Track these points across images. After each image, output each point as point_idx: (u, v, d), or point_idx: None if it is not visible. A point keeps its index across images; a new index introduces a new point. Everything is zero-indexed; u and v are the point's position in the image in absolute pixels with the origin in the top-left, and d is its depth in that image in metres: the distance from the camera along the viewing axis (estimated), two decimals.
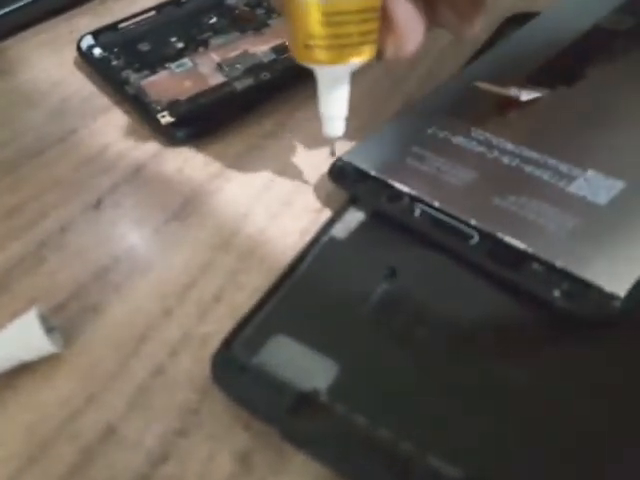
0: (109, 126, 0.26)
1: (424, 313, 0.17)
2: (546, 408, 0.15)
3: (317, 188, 0.23)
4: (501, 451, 0.15)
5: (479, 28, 0.19)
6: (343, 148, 0.23)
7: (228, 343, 0.17)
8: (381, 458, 0.14)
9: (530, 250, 0.17)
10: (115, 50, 0.29)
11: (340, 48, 0.17)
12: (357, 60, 0.18)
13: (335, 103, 0.19)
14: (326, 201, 0.22)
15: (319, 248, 0.20)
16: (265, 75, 0.26)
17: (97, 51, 0.29)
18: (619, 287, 0.16)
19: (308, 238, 0.21)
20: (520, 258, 0.18)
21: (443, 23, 0.19)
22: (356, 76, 0.27)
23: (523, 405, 0.15)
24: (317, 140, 0.24)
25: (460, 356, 0.16)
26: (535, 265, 0.17)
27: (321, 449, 0.15)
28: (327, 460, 0.15)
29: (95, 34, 0.30)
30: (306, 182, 0.23)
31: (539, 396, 0.15)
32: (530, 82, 0.23)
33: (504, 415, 0.15)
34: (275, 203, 0.22)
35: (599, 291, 0.16)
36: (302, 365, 0.16)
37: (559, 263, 0.17)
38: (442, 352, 0.17)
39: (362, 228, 0.20)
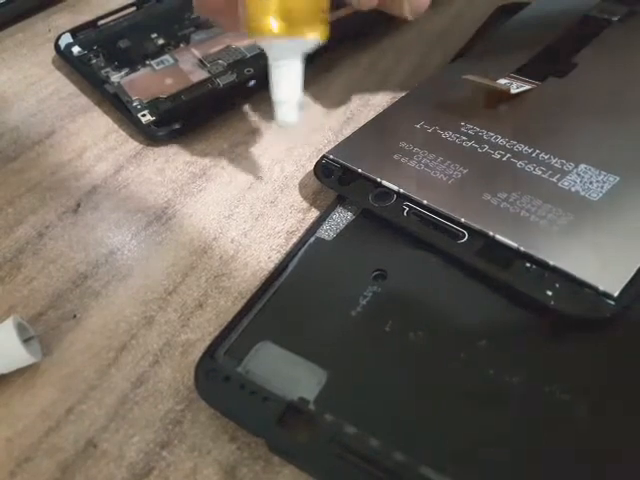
0: (88, 127, 0.25)
1: (416, 316, 0.17)
2: (541, 412, 0.15)
3: (303, 187, 0.22)
4: (497, 458, 0.14)
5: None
6: (329, 144, 0.23)
7: (212, 351, 0.16)
8: (372, 469, 0.14)
9: (522, 248, 0.17)
10: (94, 48, 0.28)
11: (291, 21, 0.17)
12: (308, 35, 0.18)
13: (286, 84, 0.19)
14: (313, 199, 0.22)
15: (306, 250, 0.19)
16: (248, 71, 0.26)
17: (76, 49, 0.28)
18: (613, 286, 0.16)
19: (294, 239, 0.20)
20: (512, 256, 0.17)
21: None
22: (343, 68, 0.27)
23: (517, 410, 0.15)
24: (302, 137, 0.24)
25: (453, 360, 0.16)
26: (527, 264, 0.17)
27: (310, 461, 0.14)
28: (317, 472, 0.15)
29: (74, 32, 0.29)
30: (292, 180, 0.22)
31: (534, 400, 0.15)
32: (520, 74, 0.23)
33: (500, 421, 0.15)
34: (259, 203, 0.22)
35: (593, 290, 0.16)
36: (289, 373, 0.16)
37: (552, 262, 0.16)
38: (435, 357, 0.16)
39: (350, 228, 0.19)
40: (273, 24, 0.18)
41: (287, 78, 0.19)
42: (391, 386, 0.16)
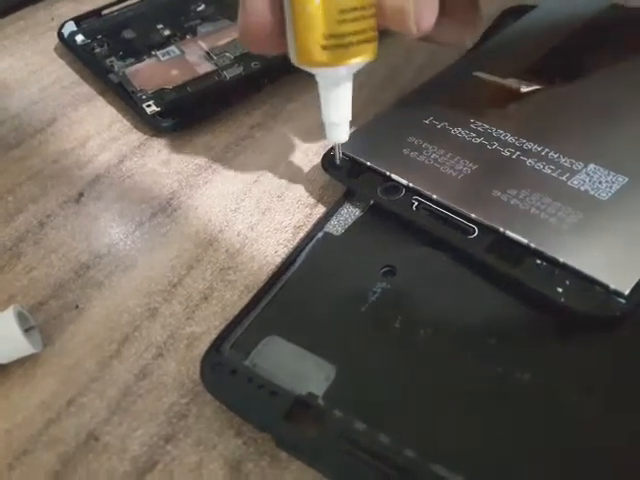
0: (91, 116, 0.25)
1: (424, 313, 0.17)
2: (550, 410, 0.15)
3: (310, 181, 0.22)
4: (504, 456, 0.14)
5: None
6: None
7: (218, 345, 0.16)
8: (381, 466, 0.14)
9: (532, 245, 0.17)
10: (99, 37, 0.28)
11: (341, 48, 0.16)
12: (359, 60, 0.17)
13: (339, 109, 0.18)
14: (320, 195, 0.21)
15: (313, 244, 0.19)
16: (255, 64, 0.26)
17: (80, 38, 0.28)
18: (624, 284, 0.16)
19: (301, 234, 0.20)
20: (522, 253, 0.17)
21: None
22: None
23: (527, 408, 0.15)
24: (309, 131, 0.24)
25: (462, 357, 0.16)
26: (537, 260, 0.17)
27: (318, 457, 0.14)
28: (325, 468, 0.14)
29: (77, 20, 0.29)
30: (299, 175, 0.22)
31: (543, 398, 0.15)
32: (530, 73, 0.23)
33: (507, 419, 0.15)
34: (266, 197, 0.22)
35: (603, 288, 0.16)
36: (297, 368, 0.16)
37: (562, 259, 0.16)
38: (443, 353, 0.16)
39: (358, 223, 0.19)
40: (324, 54, 0.16)
41: (339, 101, 0.18)
42: (400, 383, 0.15)
